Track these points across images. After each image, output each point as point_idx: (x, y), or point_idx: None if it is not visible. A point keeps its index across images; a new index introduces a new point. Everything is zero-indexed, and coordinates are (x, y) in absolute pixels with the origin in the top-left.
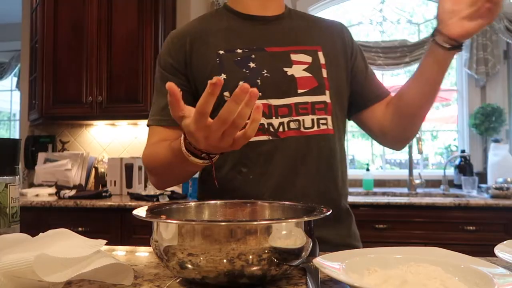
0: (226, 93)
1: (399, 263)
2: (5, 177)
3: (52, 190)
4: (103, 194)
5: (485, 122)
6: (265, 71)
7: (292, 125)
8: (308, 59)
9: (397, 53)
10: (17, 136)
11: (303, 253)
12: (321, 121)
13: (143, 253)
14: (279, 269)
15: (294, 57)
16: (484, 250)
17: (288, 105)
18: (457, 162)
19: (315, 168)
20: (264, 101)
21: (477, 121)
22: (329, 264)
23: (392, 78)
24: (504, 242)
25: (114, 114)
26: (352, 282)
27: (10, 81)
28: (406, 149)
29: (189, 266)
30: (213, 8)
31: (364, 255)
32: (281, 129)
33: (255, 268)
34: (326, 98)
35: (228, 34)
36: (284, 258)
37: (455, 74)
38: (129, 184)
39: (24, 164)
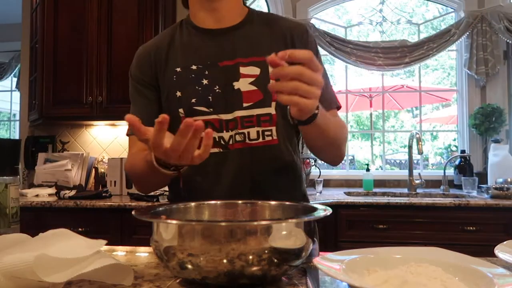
0: (181, 110)
1: (399, 263)
2: (5, 177)
3: (52, 190)
4: (103, 194)
5: (485, 122)
6: (217, 87)
7: (238, 137)
8: (256, 71)
9: (397, 53)
10: (17, 137)
11: (303, 253)
12: (266, 133)
13: (143, 253)
14: (279, 269)
15: (242, 70)
16: (484, 250)
17: (235, 119)
18: (457, 162)
19: (261, 176)
20: (215, 116)
21: (477, 121)
22: (329, 264)
23: (392, 78)
24: (504, 242)
25: (114, 115)
26: (352, 282)
27: (10, 81)
28: (406, 149)
29: (189, 266)
30: None
31: (364, 255)
32: (230, 141)
33: (255, 268)
34: (271, 110)
35: (186, 50)
36: (284, 258)
37: (455, 74)
38: (129, 185)
39: (24, 164)
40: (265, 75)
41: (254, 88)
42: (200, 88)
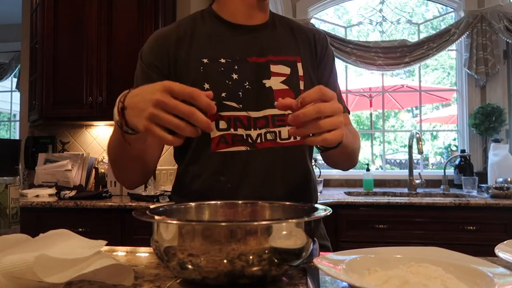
0: None
1: (400, 263)
2: (5, 177)
3: (52, 190)
4: (104, 194)
5: (485, 122)
6: (247, 83)
7: (269, 136)
8: (287, 70)
9: (397, 53)
10: (17, 137)
11: (304, 253)
12: None
13: (144, 253)
14: (279, 270)
15: (273, 68)
16: (484, 250)
17: (265, 117)
18: (457, 162)
19: (291, 176)
20: (244, 113)
21: (477, 121)
22: (330, 264)
23: (392, 78)
24: (505, 242)
25: None
26: (353, 282)
27: (10, 81)
28: (406, 149)
29: (190, 266)
30: None
31: (365, 255)
32: (258, 140)
33: (255, 268)
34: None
35: (212, 42)
36: (285, 259)
37: (455, 74)
38: None
39: (24, 164)
40: (295, 75)
41: (285, 87)
42: (230, 83)
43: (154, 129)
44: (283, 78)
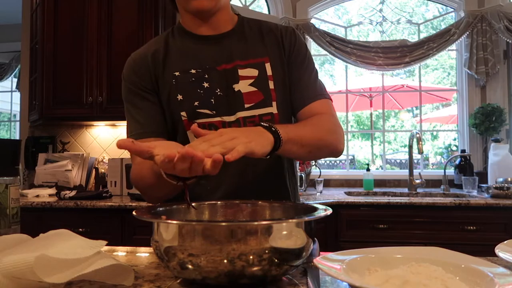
0: (183, 113)
1: (400, 263)
2: (5, 177)
3: (53, 190)
4: (104, 194)
5: (485, 122)
6: (218, 90)
7: None
8: (255, 72)
9: (397, 53)
10: (17, 137)
11: (304, 253)
12: None
13: (144, 253)
14: (279, 270)
15: (241, 72)
16: (484, 250)
17: (237, 120)
18: (457, 162)
19: (263, 173)
20: (218, 118)
21: (477, 121)
22: (330, 264)
23: (392, 78)
24: (505, 242)
25: (114, 115)
26: (353, 282)
27: (10, 82)
28: (406, 149)
29: (190, 266)
30: None
31: (365, 255)
32: None
33: (255, 268)
34: (273, 109)
35: (182, 55)
36: (285, 258)
37: (455, 74)
38: (130, 185)
39: (24, 165)
40: (263, 75)
41: (254, 89)
42: (202, 91)
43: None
44: (251, 81)
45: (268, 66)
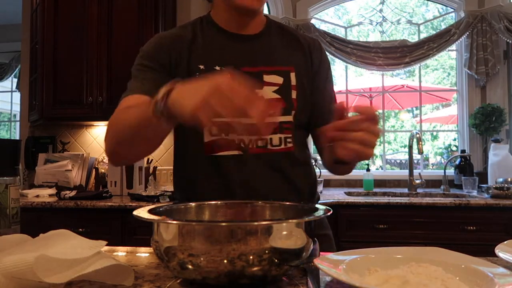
0: None
1: (400, 263)
2: (5, 178)
3: (53, 191)
4: (104, 194)
5: (485, 122)
6: None
7: (260, 143)
8: (280, 80)
9: (397, 53)
10: (17, 137)
11: (304, 253)
12: (288, 140)
13: (144, 253)
14: (279, 270)
15: (266, 78)
16: (484, 250)
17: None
18: (457, 162)
19: (277, 179)
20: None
21: (477, 121)
22: (330, 264)
23: (392, 78)
24: (505, 242)
25: None
26: (353, 282)
27: (11, 82)
28: (406, 149)
29: (190, 266)
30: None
31: (365, 255)
32: (250, 145)
33: (255, 268)
34: (291, 118)
35: (208, 49)
36: (285, 259)
37: (455, 74)
38: (130, 185)
39: (24, 165)
40: (288, 84)
41: (277, 96)
42: None
43: (202, 115)
44: (276, 88)
45: (293, 75)
